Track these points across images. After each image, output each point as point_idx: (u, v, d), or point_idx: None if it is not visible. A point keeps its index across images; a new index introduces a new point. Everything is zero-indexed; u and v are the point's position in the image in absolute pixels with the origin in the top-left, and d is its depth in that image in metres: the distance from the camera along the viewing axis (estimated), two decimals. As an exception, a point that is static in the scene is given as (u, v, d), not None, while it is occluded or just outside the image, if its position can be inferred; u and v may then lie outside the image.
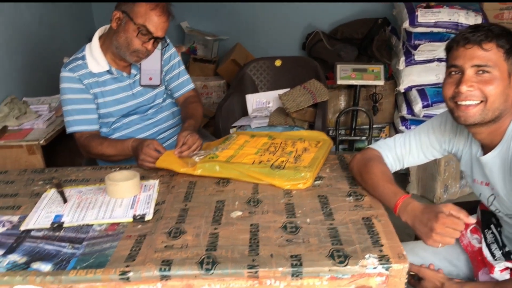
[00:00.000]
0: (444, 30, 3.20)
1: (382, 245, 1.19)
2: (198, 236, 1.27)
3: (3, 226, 1.39)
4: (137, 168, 1.71)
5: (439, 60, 3.32)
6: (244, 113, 3.13)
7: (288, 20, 3.90)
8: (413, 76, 3.35)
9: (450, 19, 3.17)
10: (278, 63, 3.15)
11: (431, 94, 3.32)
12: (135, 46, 1.79)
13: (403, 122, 3.44)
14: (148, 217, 1.38)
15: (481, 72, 1.25)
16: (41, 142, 2.18)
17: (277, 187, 1.50)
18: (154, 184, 1.58)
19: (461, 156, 1.47)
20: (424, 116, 3.30)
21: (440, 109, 3.23)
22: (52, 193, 1.55)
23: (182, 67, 2.10)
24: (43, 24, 3.22)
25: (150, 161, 1.67)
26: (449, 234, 1.19)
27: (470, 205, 1.67)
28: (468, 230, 1.57)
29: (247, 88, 3.15)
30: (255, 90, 3.17)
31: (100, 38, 1.91)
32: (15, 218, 1.42)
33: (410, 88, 3.37)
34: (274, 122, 2.87)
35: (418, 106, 3.29)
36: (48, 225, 1.36)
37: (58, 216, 1.40)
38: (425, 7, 3.24)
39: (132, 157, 1.79)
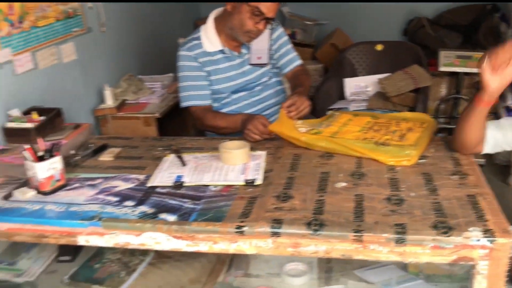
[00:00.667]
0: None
1: (487, 220, 1.21)
2: (305, 202, 1.37)
3: (132, 182, 1.58)
4: (246, 140, 1.84)
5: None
6: (341, 96, 3.18)
7: (389, 5, 3.87)
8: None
9: None
10: (379, 47, 3.16)
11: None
12: (248, 26, 1.93)
13: (509, 112, 3.30)
14: (258, 182, 1.50)
15: None
16: (157, 115, 2.38)
17: (381, 163, 1.56)
18: (262, 154, 1.70)
19: None
20: (533, 106, 3.15)
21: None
22: (171, 157, 1.72)
23: (290, 45, 2.21)
24: (156, 10, 3.47)
25: (256, 133, 1.80)
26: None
27: None
28: None
29: (345, 72, 3.19)
30: (353, 74, 3.20)
31: (215, 19, 2.06)
32: (141, 177, 1.61)
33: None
34: (373, 106, 2.90)
35: (525, 96, 3.15)
36: (170, 183, 1.53)
37: (179, 177, 1.56)
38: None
39: (239, 131, 1.93)
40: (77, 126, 1.96)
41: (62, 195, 1.52)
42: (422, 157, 1.59)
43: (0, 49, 1.89)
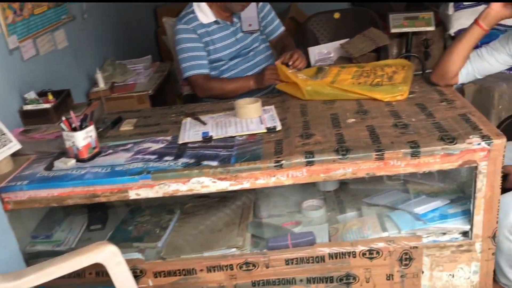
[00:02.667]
0: (491, -28, 3.38)
1: (481, 129, 1.47)
2: (325, 136, 1.58)
3: (162, 143, 1.72)
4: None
5: (486, 2, 3.51)
6: (307, 65, 3.41)
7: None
8: (462, 20, 3.55)
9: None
10: (337, 15, 3.41)
11: (480, 36, 3.53)
12: None
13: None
14: (279, 128, 1.70)
15: None
16: (150, 92, 2.51)
17: (378, 101, 1.80)
18: (271, 108, 1.90)
19: None
20: (474, 57, 3.52)
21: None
22: (188, 120, 1.88)
23: (273, 13, 2.42)
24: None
25: (277, 76, 2.04)
26: None
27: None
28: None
29: (309, 41, 3.42)
30: (316, 43, 3.43)
31: None
32: (168, 137, 1.76)
33: (459, 32, 3.58)
34: (340, 68, 3.14)
35: (468, 48, 3.50)
36: (200, 138, 1.69)
37: (206, 132, 1.73)
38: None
39: (252, 89, 2.16)
40: (89, 103, 2.06)
41: (100, 161, 1.64)
42: (410, 92, 1.84)
43: (8, 36, 1.95)
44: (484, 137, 1.43)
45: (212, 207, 1.89)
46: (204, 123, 1.82)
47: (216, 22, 2.23)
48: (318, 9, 3.58)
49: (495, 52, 1.75)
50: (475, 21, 1.68)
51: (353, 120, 1.68)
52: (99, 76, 2.58)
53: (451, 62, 1.75)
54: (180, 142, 1.70)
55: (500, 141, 1.41)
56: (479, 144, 1.42)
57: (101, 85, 2.56)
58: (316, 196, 1.90)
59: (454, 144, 1.42)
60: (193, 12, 2.22)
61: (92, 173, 1.56)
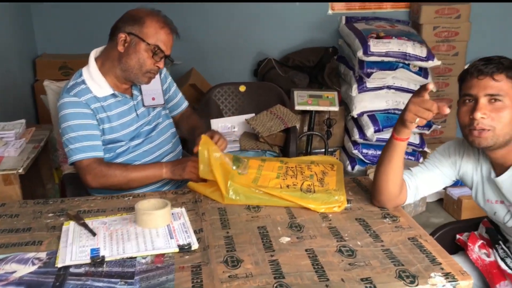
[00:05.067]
0: (394, 59, 3.43)
1: (440, 263, 1.24)
2: (258, 264, 1.24)
3: (33, 264, 1.25)
4: (155, 197, 1.63)
5: (389, 87, 3.56)
6: (210, 138, 3.10)
7: (239, 46, 3.96)
8: (365, 103, 3.54)
9: (399, 49, 3.41)
10: (242, 88, 3.18)
11: (381, 120, 3.53)
12: (148, 66, 1.78)
13: (355, 146, 3.61)
14: (194, 246, 1.32)
15: (493, 100, 1.38)
16: (20, 171, 1.99)
17: (311, 211, 1.52)
18: (181, 211, 1.52)
19: (470, 179, 1.58)
20: (376, 140, 3.49)
21: (390, 134, 3.44)
22: (72, 225, 1.43)
23: (175, 85, 2.12)
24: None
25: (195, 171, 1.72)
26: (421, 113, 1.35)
27: (473, 222, 1.80)
28: (476, 246, 1.68)
29: (212, 113, 3.13)
30: (220, 115, 3.16)
31: (96, 61, 1.84)
32: (42, 255, 1.29)
33: (362, 114, 3.56)
34: (246, 147, 2.88)
35: (370, 131, 3.48)
36: (87, 260, 1.25)
37: (95, 250, 1.29)
38: (376, 38, 3.46)
39: (159, 181, 1.81)
40: None
41: None
42: (346, 201, 1.59)
43: None
44: (448, 276, 1.19)
45: None
46: (93, 233, 1.38)
47: (113, 95, 1.83)
48: (221, 80, 3.33)
49: (439, 165, 1.59)
50: (393, 137, 1.49)
51: (288, 239, 1.36)
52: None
53: (389, 182, 1.51)
54: (60, 265, 1.24)
55: (467, 283, 1.19)
56: (444, 286, 1.18)
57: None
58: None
59: (416, 286, 1.17)
60: (83, 82, 1.80)
61: None
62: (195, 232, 1.40)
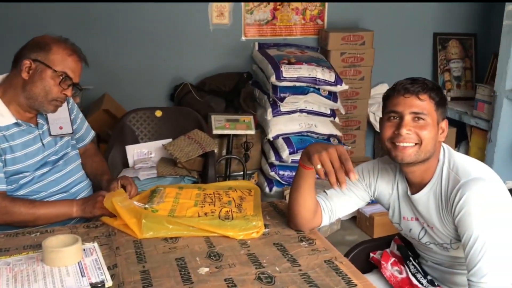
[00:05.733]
0: (305, 84, 3.56)
1: (356, 285, 1.28)
2: (176, 298, 1.21)
3: None
4: (63, 232, 1.54)
5: (301, 111, 3.67)
6: (126, 164, 3.02)
7: (154, 71, 3.91)
8: (280, 126, 3.63)
9: (309, 74, 3.54)
10: (158, 113, 3.13)
11: (295, 142, 3.63)
12: (55, 94, 1.70)
13: (272, 167, 3.67)
14: (108, 283, 1.26)
15: (417, 118, 1.46)
16: None
17: (230, 238, 1.51)
18: (93, 247, 1.45)
19: (386, 198, 1.66)
20: (292, 162, 3.57)
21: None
22: (-30, 269, 1.31)
23: (81, 115, 2.06)
24: None
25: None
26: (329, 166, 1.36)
27: (385, 240, 1.89)
28: (389, 263, 1.76)
29: (128, 139, 3.05)
30: (136, 141, 3.08)
31: None
32: None
33: (277, 137, 3.63)
34: (164, 173, 2.83)
35: (285, 153, 3.56)
36: (-11, 307, 1.15)
37: (-2, 295, 1.19)
38: (287, 63, 3.57)
39: (74, 216, 1.73)
40: None
41: None
42: (264, 226, 1.60)
43: None
44: (363, 297, 1.24)
45: None
46: (-5, 276, 1.27)
47: (16, 124, 1.73)
48: (137, 105, 3.26)
49: (353, 188, 1.65)
50: (300, 165, 1.53)
51: (207, 269, 1.34)
52: None
53: (302, 207, 1.55)
54: (-45, 315, 1.13)
55: (380, 302, 1.24)
56: (360, 306, 1.22)
57: None
58: None
59: (334, 308, 1.20)
60: None
61: None
62: (108, 268, 1.34)
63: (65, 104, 1.85)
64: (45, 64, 1.68)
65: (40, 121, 1.81)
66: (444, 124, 1.51)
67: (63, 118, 1.87)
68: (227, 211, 1.62)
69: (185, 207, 1.64)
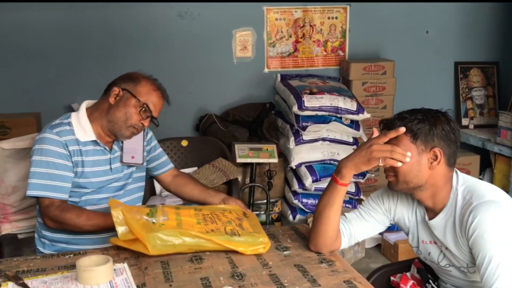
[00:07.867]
0: (327, 113, 3.63)
1: (373, 303, 1.33)
2: (201, 314, 1.28)
3: (-32, 328, 1.22)
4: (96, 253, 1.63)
5: (323, 139, 3.73)
6: (152, 192, 3.12)
7: (181, 103, 4.04)
8: (302, 154, 3.69)
9: (331, 103, 3.62)
10: (184, 143, 3.25)
11: (318, 170, 3.68)
12: (133, 121, 1.86)
13: (295, 196, 3.72)
14: (138, 301, 1.34)
15: None
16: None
17: (252, 259, 1.57)
18: (123, 267, 1.53)
19: (406, 222, 1.70)
20: (315, 190, 3.62)
21: (327, 183, 3.59)
22: (11, 287, 1.41)
23: (160, 148, 2.19)
24: None
25: None
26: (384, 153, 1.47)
27: (405, 263, 1.91)
28: (408, 286, 1.79)
29: (155, 168, 3.16)
30: (162, 170, 3.19)
31: (87, 109, 1.93)
32: (-22, 318, 1.26)
33: (300, 165, 3.69)
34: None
35: (308, 181, 3.61)
36: (28, 321, 1.24)
37: (36, 310, 1.28)
38: (309, 93, 3.66)
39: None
40: None
41: None
42: (285, 248, 1.67)
43: None
44: (380, 315, 1.28)
45: None
46: (33, 293, 1.37)
47: (94, 142, 1.89)
48: (164, 135, 3.39)
49: (372, 213, 1.70)
50: (335, 180, 1.60)
51: (230, 288, 1.41)
52: None
53: (328, 226, 1.61)
54: (-2, 327, 1.22)
55: (397, 320, 1.28)
56: (377, 324, 1.26)
57: None
58: None
59: (351, 326, 1.24)
60: (69, 124, 1.87)
61: None
62: (138, 287, 1.42)
63: (140, 136, 2.00)
64: (131, 93, 1.86)
65: (115, 147, 1.96)
66: (437, 151, 1.50)
67: (136, 148, 2.00)
68: (232, 229, 1.66)
69: (189, 224, 1.67)
